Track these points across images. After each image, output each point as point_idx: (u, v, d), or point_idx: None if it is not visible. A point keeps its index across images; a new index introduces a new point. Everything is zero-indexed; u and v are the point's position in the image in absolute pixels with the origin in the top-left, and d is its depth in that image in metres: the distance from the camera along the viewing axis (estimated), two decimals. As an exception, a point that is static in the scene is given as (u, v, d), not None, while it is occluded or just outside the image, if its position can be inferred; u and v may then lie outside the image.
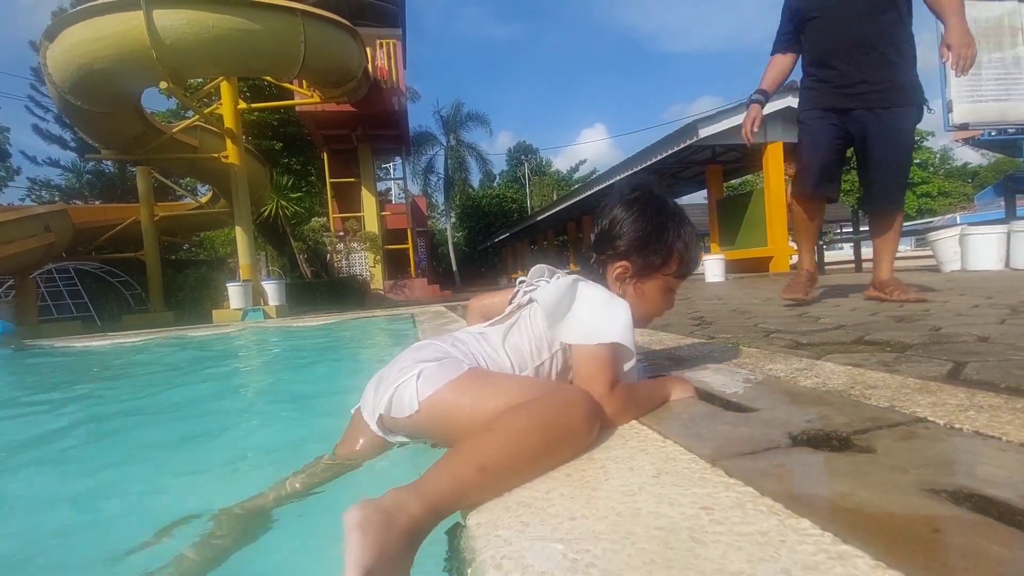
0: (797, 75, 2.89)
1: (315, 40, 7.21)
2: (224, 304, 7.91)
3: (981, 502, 0.53)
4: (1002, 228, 5.00)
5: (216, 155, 8.49)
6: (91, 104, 7.13)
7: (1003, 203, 6.49)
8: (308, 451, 1.13)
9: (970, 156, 40.51)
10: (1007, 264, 4.91)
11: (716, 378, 1.19)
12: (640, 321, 1.10)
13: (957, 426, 0.75)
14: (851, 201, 34.38)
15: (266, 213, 12.19)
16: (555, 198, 25.58)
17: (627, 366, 0.99)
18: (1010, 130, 6.73)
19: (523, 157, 41.91)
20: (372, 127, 11.32)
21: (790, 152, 9.52)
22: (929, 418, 0.79)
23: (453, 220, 29.74)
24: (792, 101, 8.52)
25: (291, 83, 9.42)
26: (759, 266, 9.41)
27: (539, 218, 20.68)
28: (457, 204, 29.49)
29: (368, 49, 9.43)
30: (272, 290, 8.16)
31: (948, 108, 6.34)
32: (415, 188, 25.37)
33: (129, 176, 19.74)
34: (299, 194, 14.01)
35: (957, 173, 42.68)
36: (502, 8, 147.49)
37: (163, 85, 6.75)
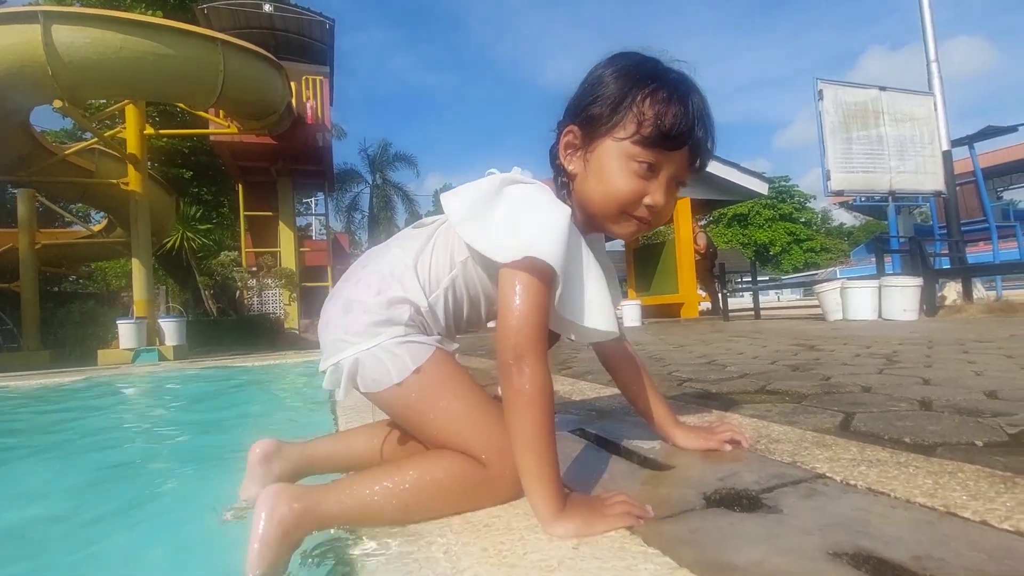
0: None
1: (236, 71, 6.95)
2: (113, 343, 7.10)
3: (877, 564, 0.56)
4: (874, 282, 5.67)
5: (115, 181, 7.80)
6: (-35, 118, 6.38)
7: (874, 260, 7.39)
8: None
9: (845, 217, 46.39)
10: (879, 315, 5.55)
11: (635, 431, 1.20)
12: (603, 208, 0.80)
13: (852, 482, 0.80)
14: (749, 254, 37.84)
15: (169, 245, 11.28)
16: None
17: (558, 295, 0.75)
18: (876, 197, 7.75)
19: (450, 199, 42.28)
20: (294, 161, 10.95)
21: (698, 207, 10.33)
22: (827, 474, 0.84)
23: (377, 258, 29.27)
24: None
25: (207, 112, 8.97)
26: (671, 311, 9.95)
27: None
28: (382, 242, 29.22)
29: (293, 84, 9.24)
30: (171, 329, 7.43)
31: (827, 176, 7.20)
32: (338, 225, 24.67)
33: (8, 198, 17.65)
34: (208, 226, 13.13)
35: (835, 232, 48.59)
36: (432, 58, 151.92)
37: (57, 104, 6.18)
